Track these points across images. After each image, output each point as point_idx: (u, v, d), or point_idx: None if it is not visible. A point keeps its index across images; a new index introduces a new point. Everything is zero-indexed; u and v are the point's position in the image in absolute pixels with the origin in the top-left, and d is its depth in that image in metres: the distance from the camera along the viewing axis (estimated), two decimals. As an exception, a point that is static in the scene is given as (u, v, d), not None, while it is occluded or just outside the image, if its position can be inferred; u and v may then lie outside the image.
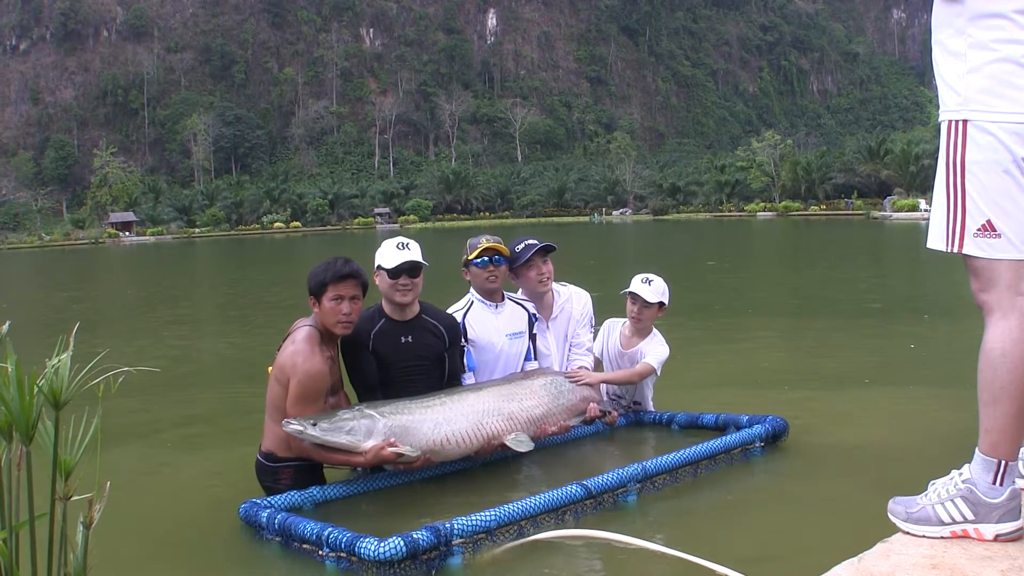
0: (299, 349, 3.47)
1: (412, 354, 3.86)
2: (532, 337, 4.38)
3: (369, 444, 3.41)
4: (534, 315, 4.41)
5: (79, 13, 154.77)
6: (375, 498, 3.63)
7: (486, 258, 4.21)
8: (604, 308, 4.90)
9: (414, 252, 3.82)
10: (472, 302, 4.29)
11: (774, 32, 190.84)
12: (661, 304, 4.57)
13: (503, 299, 4.33)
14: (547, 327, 4.54)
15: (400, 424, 3.50)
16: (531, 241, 4.44)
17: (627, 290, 4.57)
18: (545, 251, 4.44)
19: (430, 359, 3.92)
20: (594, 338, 4.72)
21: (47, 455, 1.40)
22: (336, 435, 3.39)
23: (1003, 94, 1.97)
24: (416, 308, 3.91)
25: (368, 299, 3.88)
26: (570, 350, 4.62)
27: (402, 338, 3.85)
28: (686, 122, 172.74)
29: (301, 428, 3.34)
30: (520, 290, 4.61)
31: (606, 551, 2.98)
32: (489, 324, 4.25)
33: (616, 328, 4.70)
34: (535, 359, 4.40)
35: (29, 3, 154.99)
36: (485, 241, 4.26)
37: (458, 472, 3.92)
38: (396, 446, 3.43)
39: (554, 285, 4.55)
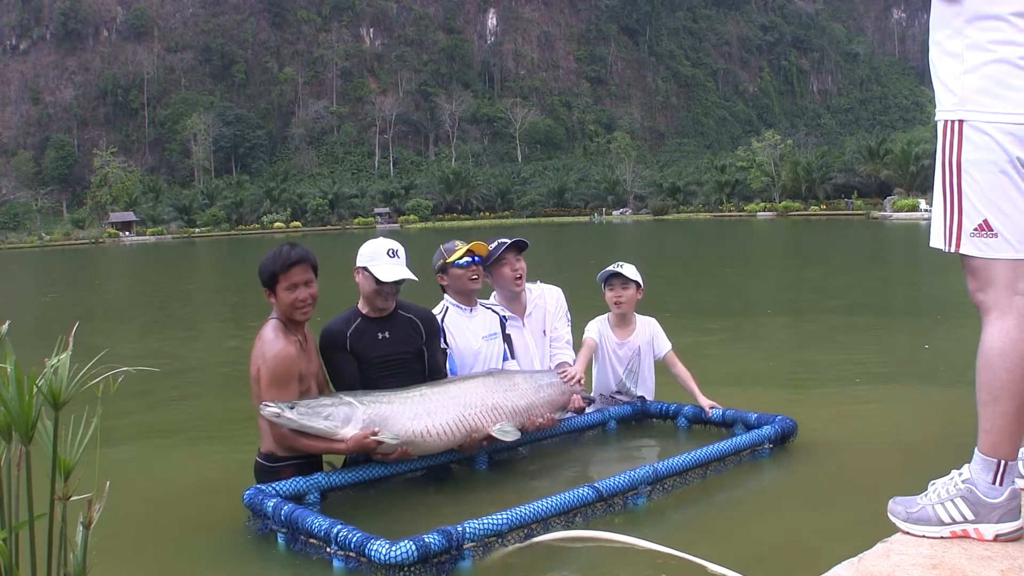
0: (264, 339, 3.49)
1: (390, 349, 3.86)
2: (506, 338, 4.42)
3: (347, 431, 3.40)
4: (504, 317, 4.46)
5: (79, 13, 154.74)
6: (384, 498, 3.62)
7: (468, 259, 4.24)
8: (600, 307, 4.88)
9: (404, 265, 3.83)
10: (447, 307, 4.33)
11: (774, 32, 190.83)
12: (638, 286, 4.65)
13: (476, 304, 4.37)
14: (523, 324, 4.58)
15: (380, 413, 3.48)
16: (503, 240, 4.50)
17: (601, 278, 4.66)
18: (518, 248, 4.49)
19: (409, 353, 3.92)
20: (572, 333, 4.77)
21: (46, 455, 1.40)
22: (313, 420, 3.36)
23: (999, 95, 1.98)
24: (391, 304, 3.92)
25: (354, 296, 3.86)
26: (551, 345, 4.65)
27: (379, 334, 3.86)
28: (686, 122, 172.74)
29: (278, 411, 3.32)
30: (494, 293, 4.64)
31: (614, 554, 2.98)
32: (465, 327, 4.29)
33: (604, 323, 4.75)
34: (513, 358, 4.42)
35: (29, 3, 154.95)
36: (462, 243, 4.30)
37: (467, 474, 3.88)
38: (377, 434, 3.42)
39: (526, 284, 4.61)
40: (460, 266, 4.23)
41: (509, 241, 4.47)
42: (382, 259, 3.80)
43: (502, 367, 4.31)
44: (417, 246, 4.11)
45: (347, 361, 3.81)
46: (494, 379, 3.98)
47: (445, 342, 4.19)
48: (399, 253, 3.85)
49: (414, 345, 3.93)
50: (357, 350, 3.82)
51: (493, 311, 4.43)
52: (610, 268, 4.66)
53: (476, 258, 4.27)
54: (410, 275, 3.81)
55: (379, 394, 3.58)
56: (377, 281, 3.77)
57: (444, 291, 4.38)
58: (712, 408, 4.50)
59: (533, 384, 4.10)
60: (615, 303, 4.65)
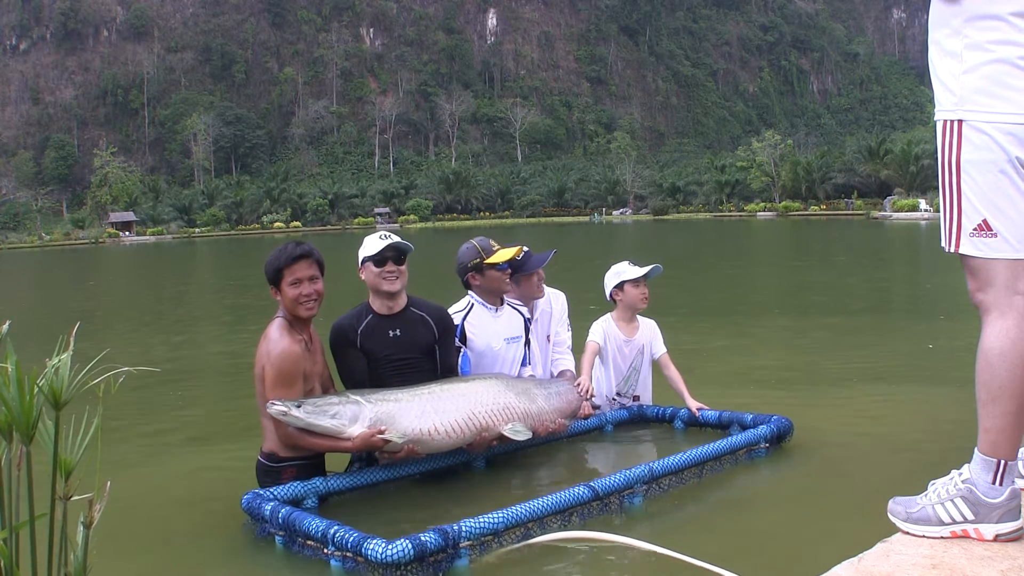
0: (269, 338, 3.48)
1: (401, 347, 3.82)
2: (527, 343, 4.37)
3: (354, 429, 3.38)
4: (529, 320, 4.40)
5: (79, 13, 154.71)
6: (381, 498, 3.61)
7: (506, 264, 4.22)
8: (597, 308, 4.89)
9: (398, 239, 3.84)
10: (472, 304, 4.26)
11: (774, 32, 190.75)
12: None
13: (503, 303, 4.31)
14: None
15: (387, 411, 3.45)
16: (527, 249, 4.45)
17: (624, 280, 4.66)
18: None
19: (420, 352, 3.87)
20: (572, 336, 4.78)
21: (47, 455, 1.40)
22: (320, 418, 3.35)
23: (998, 94, 1.97)
24: (403, 301, 3.89)
25: (356, 297, 3.85)
26: (553, 350, 4.65)
27: (390, 332, 3.82)
28: (686, 122, 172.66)
29: (285, 409, 3.30)
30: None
31: (611, 554, 2.98)
32: (489, 327, 4.23)
33: (610, 323, 4.77)
34: (530, 364, 4.38)
35: (29, 3, 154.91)
36: (498, 245, 4.27)
37: (464, 473, 3.88)
38: (384, 433, 3.40)
39: None
40: (501, 269, 4.20)
41: (541, 259, 4.44)
42: (375, 242, 3.83)
43: (520, 373, 4.26)
44: (417, 246, 4.09)
45: (358, 358, 3.78)
46: (506, 380, 3.95)
47: (463, 341, 4.14)
48: (391, 236, 3.86)
49: (426, 343, 3.88)
50: (367, 347, 3.78)
51: (520, 312, 4.36)
52: (628, 267, 4.71)
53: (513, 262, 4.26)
54: (396, 238, 3.81)
55: (387, 392, 3.55)
56: (374, 262, 3.78)
57: (468, 288, 4.31)
58: (700, 409, 4.52)
59: (544, 391, 4.06)
60: (643, 300, 4.69)
